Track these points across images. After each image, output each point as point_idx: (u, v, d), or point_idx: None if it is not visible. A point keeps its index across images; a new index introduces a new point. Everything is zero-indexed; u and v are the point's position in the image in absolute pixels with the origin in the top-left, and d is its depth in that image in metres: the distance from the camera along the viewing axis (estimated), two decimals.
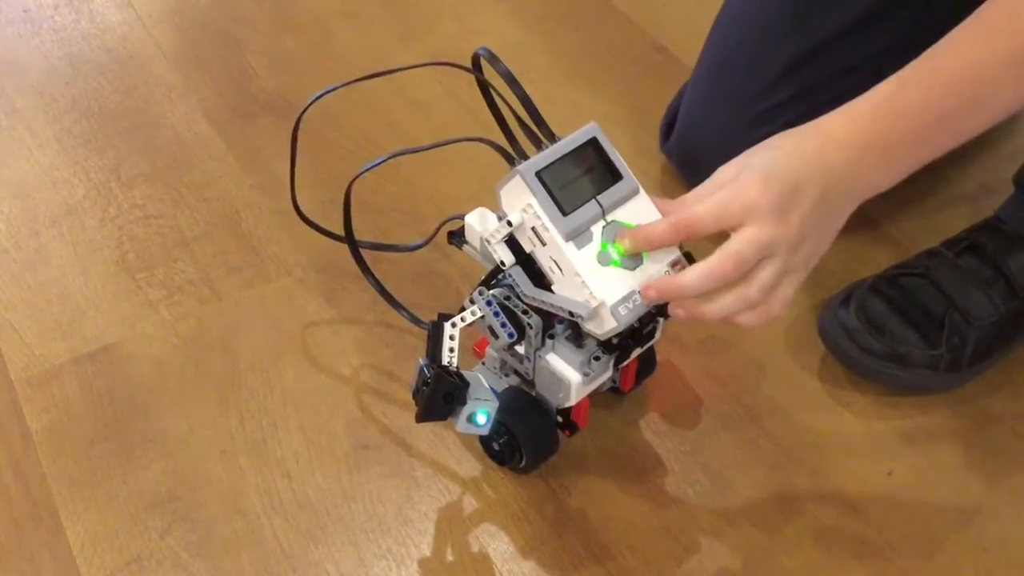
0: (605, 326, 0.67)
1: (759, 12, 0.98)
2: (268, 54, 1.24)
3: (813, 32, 0.94)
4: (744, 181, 0.65)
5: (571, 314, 0.67)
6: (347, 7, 1.32)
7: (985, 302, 0.86)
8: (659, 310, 0.69)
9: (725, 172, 0.68)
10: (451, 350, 0.71)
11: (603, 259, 0.66)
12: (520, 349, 0.75)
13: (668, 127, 1.06)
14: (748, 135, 0.96)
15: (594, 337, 0.69)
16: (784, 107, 0.95)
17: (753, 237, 0.63)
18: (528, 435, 0.77)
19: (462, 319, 0.71)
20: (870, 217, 1.04)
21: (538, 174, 0.65)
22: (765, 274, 0.64)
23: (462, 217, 0.75)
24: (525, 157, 0.68)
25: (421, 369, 0.70)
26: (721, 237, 0.65)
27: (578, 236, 0.66)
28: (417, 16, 1.31)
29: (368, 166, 0.74)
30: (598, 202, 0.67)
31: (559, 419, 0.80)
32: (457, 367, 0.71)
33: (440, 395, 0.69)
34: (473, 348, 0.84)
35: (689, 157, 1.03)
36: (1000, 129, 0.90)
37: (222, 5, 1.32)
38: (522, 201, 0.66)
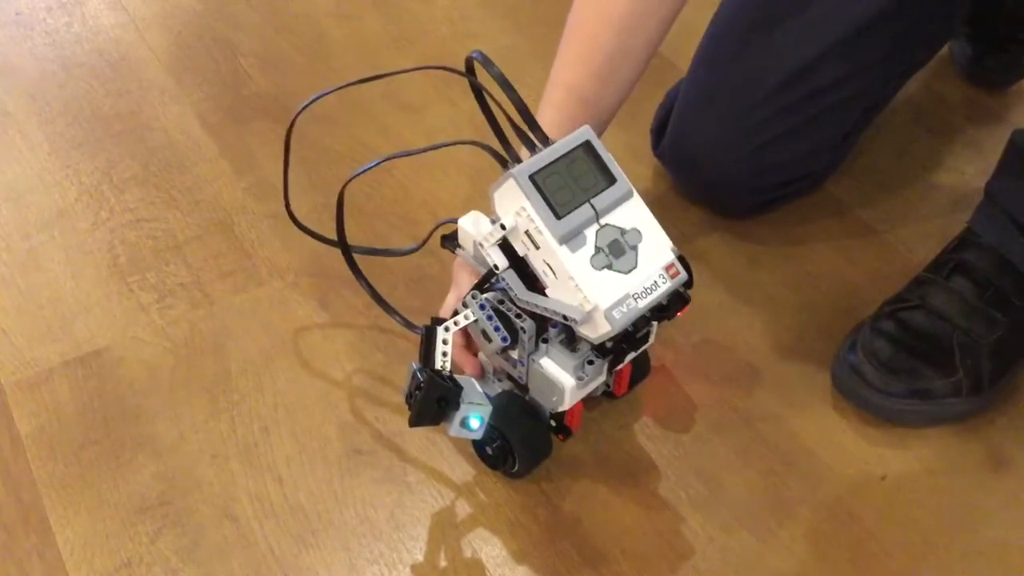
0: (599, 330, 0.66)
1: (763, 16, 0.97)
2: (261, 57, 1.24)
3: (818, 40, 0.94)
4: None
5: (565, 318, 0.66)
6: (340, 10, 1.32)
7: (986, 319, 0.86)
8: (654, 314, 0.69)
9: None
10: (444, 354, 0.71)
11: (597, 263, 0.66)
12: (514, 353, 0.74)
13: (659, 130, 1.06)
14: (746, 140, 0.96)
15: (588, 341, 0.68)
16: (786, 112, 0.95)
17: None
18: (521, 439, 0.77)
19: (455, 323, 0.71)
20: (864, 222, 1.05)
21: (532, 177, 0.65)
22: None
23: (455, 221, 0.75)
24: (519, 160, 0.67)
25: (414, 373, 0.70)
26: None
27: (572, 239, 0.66)
28: (410, 19, 1.31)
29: (361, 169, 0.73)
30: (592, 206, 0.66)
31: (552, 423, 0.80)
32: (450, 371, 0.71)
33: (433, 400, 0.69)
34: None
35: (683, 161, 1.03)
36: (993, 136, 0.91)
37: (215, 8, 1.31)
38: (516, 204, 0.65)
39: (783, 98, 0.95)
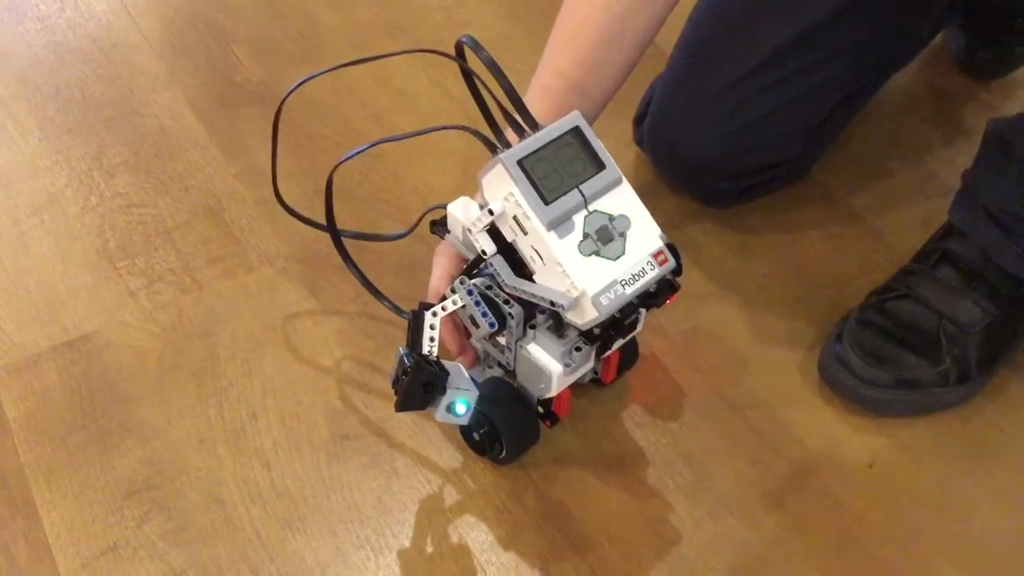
0: (586, 316, 0.66)
1: (738, 3, 0.98)
2: (253, 43, 1.23)
3: (791, 25, 0.94)
4: None
5: (552, 304, 0.66)
6: None
7: (973, 307, 0.86)
8: (641, 300, 0.69)
9: None
10: (431, 339, 0.71)
11: (585, 249, 0.66)
12: (502, 339, 0.74)
13: (640, 119, 1.06)
14: (718, 124, 0.97)
15: (575, 327, 0.68)
16: (757, 97, 0.96)
17: None
18: (509, 425, 0.77)
19: (443, 308, 0.71)
20: (853, 210, 1.04)
21: (520, 162, 0.65)
22: None
23: (445, 206, 0.74)
24: (508, 146, 0.67)
25: (401, 358, 0.70)
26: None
27: (560, 225, 0.65)
28: (404, 6, 1.31)
29: (351, 153, 0.73)
30: (580, 191, 0.66)
31: (540, 409, 0.79)
32: (437, 356, 0.71)
33: (419, 384, 0.69)
34: None
35: (660, 146, 1.03)
36: (984, 126, 0.91)
37: None
38: (504, 190, 0.65)
39: (755, 83, 0.96)
